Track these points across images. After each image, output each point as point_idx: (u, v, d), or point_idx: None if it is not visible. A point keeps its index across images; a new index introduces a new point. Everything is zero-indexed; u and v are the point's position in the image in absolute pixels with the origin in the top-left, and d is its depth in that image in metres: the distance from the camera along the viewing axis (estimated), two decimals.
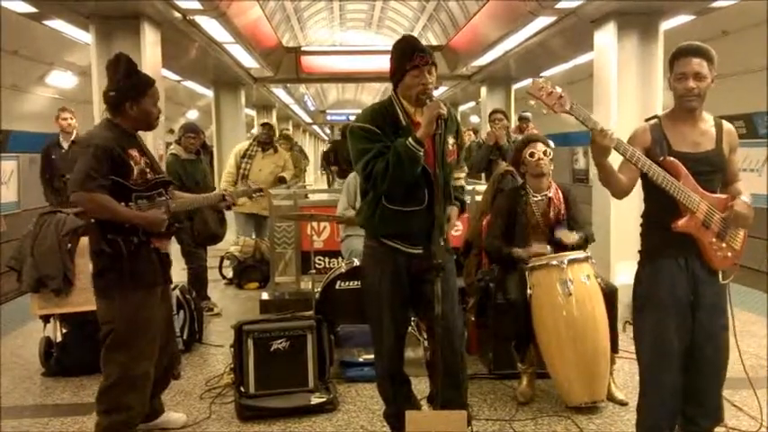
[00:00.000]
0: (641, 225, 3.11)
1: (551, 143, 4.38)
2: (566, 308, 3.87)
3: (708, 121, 3.00)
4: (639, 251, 3.11)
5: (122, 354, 3.28)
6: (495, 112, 7.10)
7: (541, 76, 12.55)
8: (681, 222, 2.88)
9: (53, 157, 6.58)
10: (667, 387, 2.99)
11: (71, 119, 6.52)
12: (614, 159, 2.90)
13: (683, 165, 2.88)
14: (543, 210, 4.24)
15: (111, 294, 3.30)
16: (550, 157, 4.27)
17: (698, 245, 2.92)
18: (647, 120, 3.08)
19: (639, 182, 3.02)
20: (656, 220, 3.01)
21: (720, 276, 2.98)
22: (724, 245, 2.93)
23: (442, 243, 3.12)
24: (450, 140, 3.18)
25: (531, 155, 4.22)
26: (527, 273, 4.04)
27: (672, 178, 2.84)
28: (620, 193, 3.02)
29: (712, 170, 2.96)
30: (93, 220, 3.27)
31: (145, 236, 3.28)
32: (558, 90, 2.82)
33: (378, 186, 3.07)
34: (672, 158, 2.89)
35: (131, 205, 3.25)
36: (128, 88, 3.34)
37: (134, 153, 3.31)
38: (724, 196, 2.96)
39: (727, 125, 3.02)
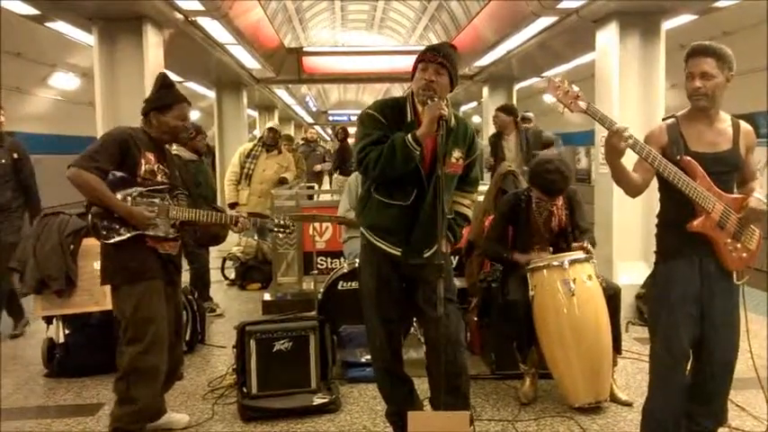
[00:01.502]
0: (657, 225, 3.10)
1: (567, 179, 4.10)
2: (568, 308, 3.87)
3: (725, 120, 2.98)
4: (655, 252, 3.10)
5: (131, 347, 3.35)
6: (497, 108, 7.11)
7: (543, 76, 12.56)
8: (696, 223, 2.87)
9: None
10: (674, 387, 2.98)
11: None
12: (630, 158, 2.89)
13: (700, 164, 2.87)
14: (546, 217, 4.23)
15: (116, 288, 3.39)
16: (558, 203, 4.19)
17: (713, 245, 2.91)
18: (664, 119, 3.08)
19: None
20: (671, 220, 2.99)
21: (735, 277, 2.97)
22: (739, 245, 2.92)
23: (432, 251, 3.12)
24: (456, 153, 3.18)
25: (540, 202, 4.16)
26: (528, 274, 4.04)
27: (688, 178, 2.83)
28: (633, 192, 3.01)
29: (729, 170, 2.95)
30: (86, 205, 3.34)
31: (135, 231, 3.31)
32: (575, 89, 2.82)
33: (368, 172, 3.11)
34: (688, 158, 2.87)
35: (128, 198, 3.31)
36: (154, 100, 3.52)
37: (149, 155, 3.41)
38: (740, 196, 2.95)
39: (744, 125, 3.00)
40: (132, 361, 3.34)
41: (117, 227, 3.29)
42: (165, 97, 3.51)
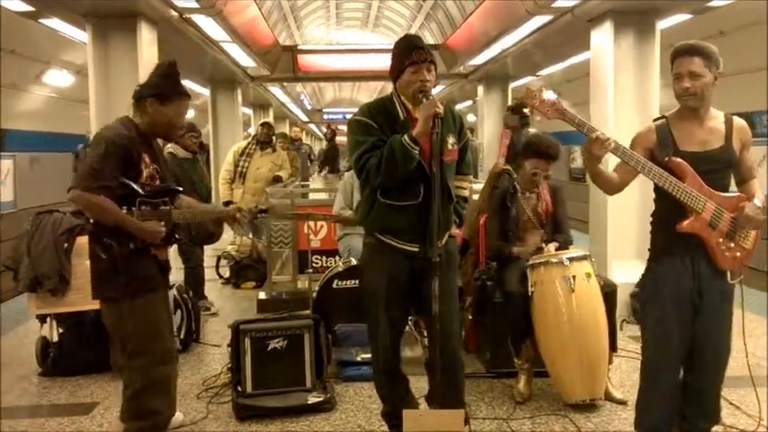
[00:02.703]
0: (651, 224, 3.11)
1: (560, 148, 4.33)
2: (567, 306, 3.88)
3: (717, 118, 2.97)
4: (648, 250, 3.10)
5: (140, 360, 3.18)
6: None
7: (539, 75, 12.54)
8: (685, 223, 2.87)
9: None
10: (666, 385, 2.99)
11: None
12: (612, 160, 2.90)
13: (690, 164, 2.86)
14: (533, 206, 4.29)
15: (116, 301, 3.17)
16: (549, 174, 4.30)
17: (705, 245, 2.91)
18: (654, 120, 3.08)
19: (637, 181, 3.03)
20: (663, 219, 3.00)
21: (729, 276, 2.97)
22: (733, 245, 2.92)
23: (444, 241, 3.15)
24: (450, 140, 3.17)
25: (534, 174, 4.24)
26: (528, 270, 4.06)
27: (674, 179, 2.83)
28: (611, 190, 3.06)
29: (720, 168, 2.95)
30: (90, 222, 3.12)
31: (142, 243, 3.14)
32: (551, 96, 2.85)
33: (371, 180, 3.08)
34: (677, 159, 2.87)
35: (133, 210, 3.10)
36: (155, 86, 3.23)
37: (146, 157, 3.18)
38: (734, 195, 2.95)
39: (738, 121, 2.99)
40: (146, 375, 3.17)
41: (125, 240, 3.08)
42: (168, 86, 3.23)
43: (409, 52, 3.11)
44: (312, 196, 8.59)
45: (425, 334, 4.30)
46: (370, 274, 3.31)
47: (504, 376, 4.40)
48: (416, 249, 3.14)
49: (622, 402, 4.00)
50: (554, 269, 3.97)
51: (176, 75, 3.30)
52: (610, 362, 4.12)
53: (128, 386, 3.24)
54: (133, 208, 3.11)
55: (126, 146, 3.08)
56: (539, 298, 3.98)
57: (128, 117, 3.24)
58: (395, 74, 3.19)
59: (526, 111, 7.05)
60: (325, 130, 27.65)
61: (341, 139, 14.34)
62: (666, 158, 2.88)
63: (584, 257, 4.04)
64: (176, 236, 3.35)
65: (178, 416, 3.84)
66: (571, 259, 3.97)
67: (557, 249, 4.19)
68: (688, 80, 2.85)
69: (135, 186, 3.10)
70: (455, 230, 3.38)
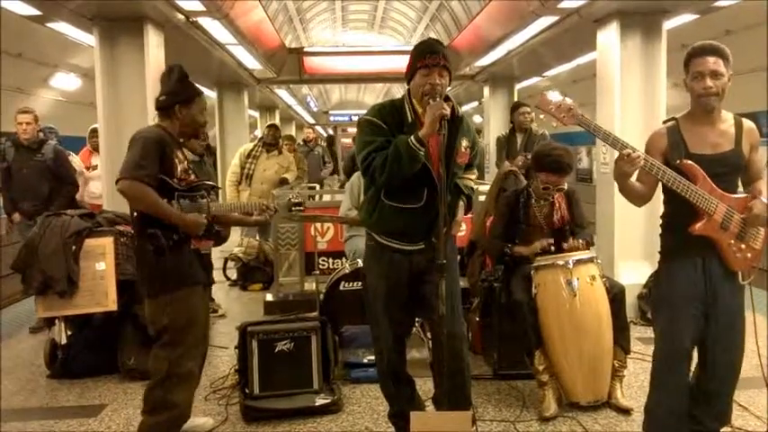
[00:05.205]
0: (660, 226, 3.11)
1: (572, 157, 4.22)
2: (570, 308, 3.87)
3: (727, 120, 2.97)
4: (659, 252, 3.10)
5: (169, 352, 3.27)
6: (520, 105, 7.00)
7: (545, 76, 12.44)
8: (698, 226, 2.87)
9: None
10: (676, 386, 2.98)
11: None
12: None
13: (701, 166, 2.86)
14: (546, 214, 4.24)
15: (158, 294, 3.28)
16: (563, 187, 4.22)
17: (716, 247, 2.91)
18: (664, 122, 3.07)
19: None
20: (674, 221, 3.00)
21: (740, 277, 2.97)
22: (743, 246, 2.92)
23: (446, 242, 3.13)
24: (464, 142, 3.19)
25: (546, 188, 4.17)
26: (532, 272, 4.04)
27: (688, 182, 2.84)
28: (641, 202, 3.04)
29: (731, 171, 2.95)
30: (135, 214, 3.27)
31: (184, 235, 3.27)
32: (568, 101, 2.83)
33: (376, 179, 3.09)
34: (688, 161, 2.87)
35: (173, 203, 3.25)
36: (178, 92, 3.41)
37: (179, 154, 3.35)
38: (744, 196, 2.95)
39: (747, 123, 2.99)
40: (170, 366, 3.26)
41: (170, 232, 3.22)
42: (188, 89, 3.44)
43: (423, 55, 3.13)
44: (318, 198, 8.59)
45: (429, 335, 4.31)
46: (371, 276, 3.33)
47: (511, 378, 4.39)
48: (421, 248, 3.15)
49: (627, 411, 3.91)
50: (557, 271, 3.96)
51: (188, 76, 3.49)
52: (624, 366, 4.09)
53: (152, 375, 3.32)
54: (172, 201, 3.26)
55: (160, 142, 3.24)
56: (542, 300, 3.98)
57: (157, 124, 3.42)
58: (408, 75, 3.22)
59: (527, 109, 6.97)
60: (331, 131, 27.84)
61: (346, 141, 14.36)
62: (678, 161, 2.88)
63: (589, 260, 4.02)
64: (216, 228, 3.47)
65: (208, 420, 3.87)
66: (576, 262, 3.96)
67: (579, 247, 4.12)
68: (710, 79, 2.84)
69: (170, 181, 3.25)
70: (461, 215, 3.34)
